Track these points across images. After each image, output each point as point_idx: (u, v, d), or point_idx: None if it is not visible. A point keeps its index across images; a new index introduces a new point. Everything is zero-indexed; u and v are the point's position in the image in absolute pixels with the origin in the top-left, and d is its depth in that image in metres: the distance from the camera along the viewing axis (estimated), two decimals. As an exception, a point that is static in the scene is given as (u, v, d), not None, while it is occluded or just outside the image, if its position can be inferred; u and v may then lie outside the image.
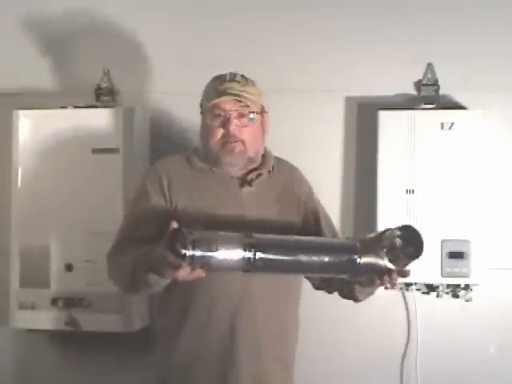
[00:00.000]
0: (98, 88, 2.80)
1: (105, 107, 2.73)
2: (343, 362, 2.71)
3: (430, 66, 2.65)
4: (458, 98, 2.66)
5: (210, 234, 1.73)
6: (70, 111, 2.70)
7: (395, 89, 2.70)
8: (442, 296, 2.62)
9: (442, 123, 2.56)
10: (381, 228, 2.08)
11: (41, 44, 2.88)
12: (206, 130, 2.04)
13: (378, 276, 1.86)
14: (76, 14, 2.86)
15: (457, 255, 2.53)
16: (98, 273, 2.55)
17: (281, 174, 2.12)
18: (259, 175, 2.06)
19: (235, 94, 1.98)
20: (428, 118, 2.58)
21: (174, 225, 1.72)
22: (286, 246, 1.82)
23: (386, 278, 1.85)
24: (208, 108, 2.01)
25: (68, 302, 2.64)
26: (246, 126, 2.00)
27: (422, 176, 2.56)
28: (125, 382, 2.77)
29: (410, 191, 2.57)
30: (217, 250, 1.70)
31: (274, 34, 2.77)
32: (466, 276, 2.54)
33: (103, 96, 2.79)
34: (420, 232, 1.83)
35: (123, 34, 2.83)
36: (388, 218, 2.53)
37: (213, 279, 1.83)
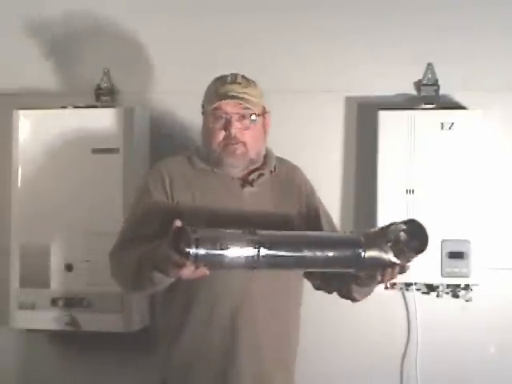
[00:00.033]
0: (98, 88, 2.80)
1: (105, 107, 2.73)
2: (343, 361, 2.71)
3: (429, 66, 2.65)
4: (458, 98, 2.66)
5: (214, 232, 1.73)
6: (70, 111, 2.70)
7: (395, 89, 2.70)
8: (441, 296, 2.62)
9: (442, 123, 2.56)
10: (381, 228, 2.08)
11: (41, 44, 2.88)
12: (207, 132, 2.04)
13: (382, 270, 1.85)
14: (76, 15, 2.86)
15: (457, 255, 2.53)
16: (98, 273, 2.56)
17: (283, 174, 2.13)
18: (261, 175, 2.06)
19: (236, 97, 1.99)
20: (428, 118, 2.58)
21: (178, 223, 1.72)
22: (290, 241, 1.81)
23: (388, 272, 1.85)
24: (209, 110, 2.02)
25: (68, 302, 2.64)
26: (247, 129, 2.01)
27: (422, 176, 2.56)
28: (125, 382, 2.77)
29: (410, 191, 2.57)
30: (221, 247, 1.70)
31: (274, 34, 2.77)
32: (465, 276, 2.54)
33: (103, 96, 2.79)
34: (425, 226, 1.82)
35: (123, 34, 2.83)
36: (388, 218, 2.51)
37: (215, 277, 1.83)
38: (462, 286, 2.59)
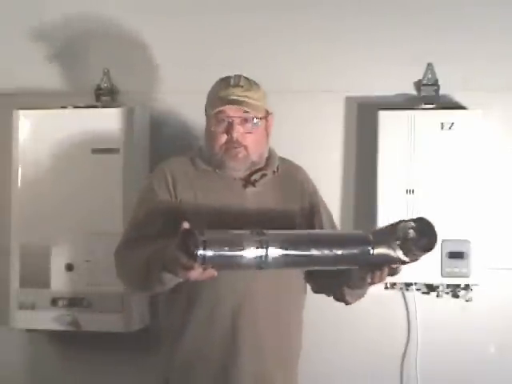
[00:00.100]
0: (98, 88, 2.80)
1: (105, 107, 2.74)
2: (343, 362, 2.71)
3: (430, 66, 2.65)
4: (458, 98, 2.66)
5: (221, 234, 1.73)
6: (70, 111, 2.70)
7: (395, 89, 2.70)
8: (441, 296, 2.62)
9: (442, 123, 2.56)
10: (381, 228, 2.08)
11: (41, 44, 2.88)
12: (210, 136, 2.04)
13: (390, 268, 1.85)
14: (76, 15, 2.86)
15: (457, 255, 2.53)
16: (99, 273, 2.55)
17: (285, 173, 2.13)
18: (263, 175, 2.07)
19: (237, 101, 1.98)
20: (428, 118, 2.58)
21: (186, 225, 1.72)
22: (297, 240, 1.81)
23: (377, 274, 1.84)
24: (212, 114, 2.02)
25: (68, 302, 2.64)
26: (249, 132, 2.01)
27: (422, 176, 2.56)
28: (125, 382, 2.77)
29: (410, 191, 2.57)
30: (228, 249, 1.70)
31: (273, 34, 2.77)
32: (465, 276, 2.54)
33: (103, 96, 2.79)
34: (434, 225, 1.81)
35: (123, 34, 2.83)
36: (388, 218, 2.52)
37: (218, 277, 1.82)
38: (462, 286, 2.59)
